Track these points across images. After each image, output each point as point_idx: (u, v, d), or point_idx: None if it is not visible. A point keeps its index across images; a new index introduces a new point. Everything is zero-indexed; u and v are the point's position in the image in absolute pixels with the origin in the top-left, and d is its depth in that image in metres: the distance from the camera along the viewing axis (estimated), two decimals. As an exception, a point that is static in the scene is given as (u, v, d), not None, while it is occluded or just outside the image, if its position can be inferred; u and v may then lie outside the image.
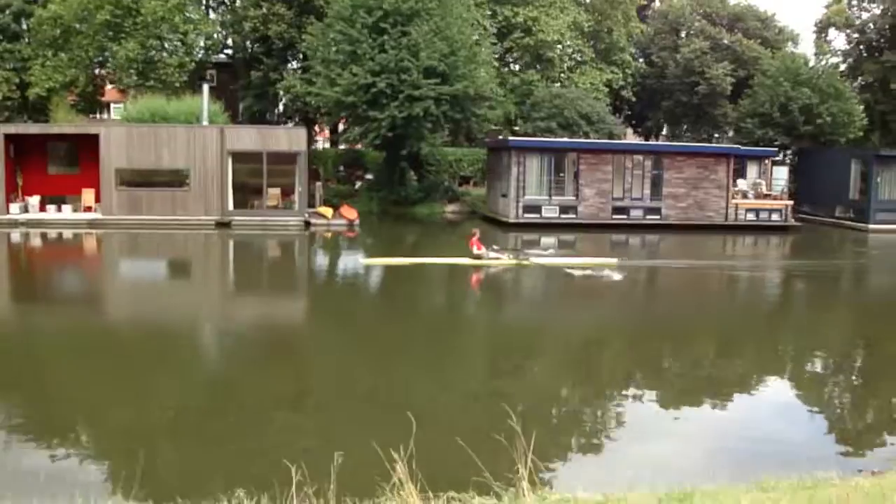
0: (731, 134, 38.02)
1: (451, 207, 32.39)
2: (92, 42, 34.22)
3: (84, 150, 28.00)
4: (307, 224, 27.18)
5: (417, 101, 27.68)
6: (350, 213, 27.84)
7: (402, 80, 27.60)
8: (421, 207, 31.72)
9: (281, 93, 33.83)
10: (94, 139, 27.11)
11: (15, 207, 27.02)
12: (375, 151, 32.94)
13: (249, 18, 33.95)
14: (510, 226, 28.07)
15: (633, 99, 38.25)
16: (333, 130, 37.59)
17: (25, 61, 37.50)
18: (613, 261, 20.21)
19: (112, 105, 49.11)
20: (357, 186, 33.28)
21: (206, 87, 28.50)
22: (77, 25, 36.50)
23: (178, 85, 34.36)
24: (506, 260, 19.35)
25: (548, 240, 26.86)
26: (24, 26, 38.91)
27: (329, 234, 27.16)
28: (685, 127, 41.26)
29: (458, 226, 31.21)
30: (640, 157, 29.29)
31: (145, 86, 33.99)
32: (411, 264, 19.50)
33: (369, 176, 33.06)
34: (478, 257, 19.08)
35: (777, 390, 10.60)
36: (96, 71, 37.30)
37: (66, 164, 28.36)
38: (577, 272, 19.17)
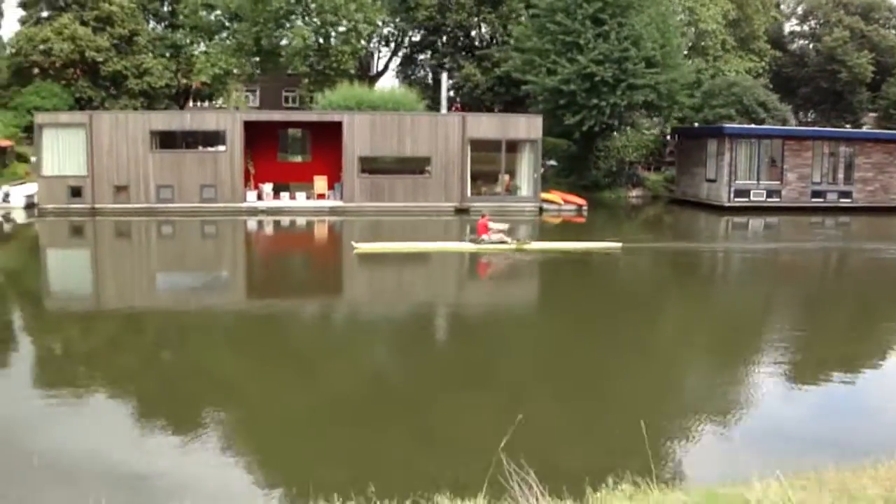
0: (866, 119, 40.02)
1: (634, 192, 33.45)
2: (262, 29, 34.08)
3: (316, 137, 28.26)
4: (541, 209, 27.94)
5: (638, 90, 28.63)
6: (578, 198, 28.69)
7: (624, 69, 28.48)
8: (608, 192, 32.70)
9: (445, 79, 33.88)
10: (326, 127, 27.42)
11: (251, 195, 27.20)
12: (554, 138, 33.65)
13: (424, 6, 34.23)
14: (724, 209, 29.30)
15: (770, 86, 39.77)
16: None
17: (178, 48, 37.13)
18: (617, 245, 19.29)
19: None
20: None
21: (444, 76, 28.90)
22: (222, 15, 36.40)
23: (352, 72, 34.60)
24: (507, 244, 18.42)
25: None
26: (169, 11, 38.47)
27: (560, 219, 27.93)
28: (817, 114, 43.06)
29: (643, 210, 32.38)
30: (836, 143, 30.78)
31: (321, 73, 34.19)
32: (408, 250, 19.09)
33: (552, 162, 33.77)
34: (479, 242, 18.41)
35: None
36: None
37: (296, 151, 28.51)
38: None
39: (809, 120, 43.55)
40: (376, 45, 37.81)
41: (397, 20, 36.57)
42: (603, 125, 29.35)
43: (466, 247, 18.76)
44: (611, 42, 28.40)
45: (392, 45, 40.99)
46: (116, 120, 26.64)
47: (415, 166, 27.45)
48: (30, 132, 34.36)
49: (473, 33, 35.51)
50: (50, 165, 26.54)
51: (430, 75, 36.43)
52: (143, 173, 26.38)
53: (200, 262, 19.95)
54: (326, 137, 27.56)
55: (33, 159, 33.54)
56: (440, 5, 33.99)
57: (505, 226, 18.93)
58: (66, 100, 34.54)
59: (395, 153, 27.01)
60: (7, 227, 26.05)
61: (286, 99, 45.47)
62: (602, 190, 32.59)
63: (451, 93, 37.91)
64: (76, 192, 26.45)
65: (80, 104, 34.99)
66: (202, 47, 37.40)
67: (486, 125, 27.54)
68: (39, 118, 26.84)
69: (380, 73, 43.43)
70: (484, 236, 18.60)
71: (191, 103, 40.94)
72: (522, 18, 33.46)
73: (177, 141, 26.96)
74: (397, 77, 38.80)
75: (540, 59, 29.56)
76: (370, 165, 27.10)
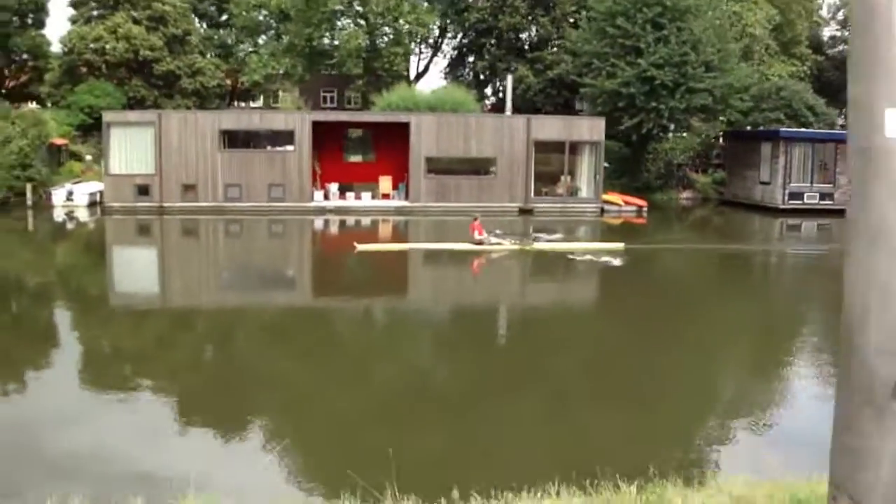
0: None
1: (685, 194, 33.79)
2: (315, 29, 34.34)
3: (380, 138, 28.54)
4: (602, 211, 28.26)
5: (696, 93, 28.99)
6: (639, 200, 29.04)
7: (683, 72, 28.82)
8: (660, 194, 33.01)
9: (510, 81, 33.96)
10: (390, 127, 27.71)
11: (319, 195, 27.49)
12: (606, 140, 33.93)
13: (477, 9, 34.53)
14: (778, 211, 29.66)
15: (812, 90, 40.11)
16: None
17: (227, 48, 37.40)
18: (620, 245, 19.58)
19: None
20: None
21: (510, 78, 29.21)
22: (271, 16, 36.61)
23: (404, 73, 34.90)
24: (507, 245, 18.78)
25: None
26: (216, 10, 38.76)
27: (620, 221, 28.23)
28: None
29: (696, 211, 32.70)
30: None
31: (373, 74, 34.50)
32: (409, 250, 19.69)
33: (604, 164, 34.07)
34: (479, 243, 18.59)
35: None
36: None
37: (361, 151, 28.81)
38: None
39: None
40: (417, 46, 37.97)
41: (447, 22, 36.85)
42: (660, 128, 29.69)
43: (468, 247, 18.71)
44: (671, 46, 28.72)
45: (434, 46, 41.34)
46: (185, 119, 26.91)
47: (480, 167, 27.74)
48: (83, 130, 34.67)
49: (524, 35, 35.73)
50: (117, 164, 26.79)
51: (479, 77, 36.66)
52: (211, 172, 26.64)
53: (266, 260, 20.07)
54: (391, 138, 27.88)
55: (88, 158, 33.82)
56: (492, 8, 34.27)
57: (485, 236, 18.84)
58: (119, 99, 34.70)
59: (462, 154, 27.31)
60: (71, 225, 26.33)
61: (324, 98, 45.73)
62: (653, 192, 32.85)
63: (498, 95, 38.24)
64: (143, 191, 26.70)
65: (133, 103, 35.24)
66: (249, 47, 37.75)
67: (551, 127, 27.87)
68: (108, 116, 27.08)
69: (420, 75, 43.78)
70: (483, 237, 18.65)
71: (237, 103, 41.29)
72: (576, 21, 33.79)
73: (245, 140, 27.19)
74: (445, 78, 39.10)
75: (598, 62, 29.86)
76: (436, 166, 27.37)
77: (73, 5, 36.85)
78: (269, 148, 27.20)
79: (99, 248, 22.72)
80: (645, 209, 28.70)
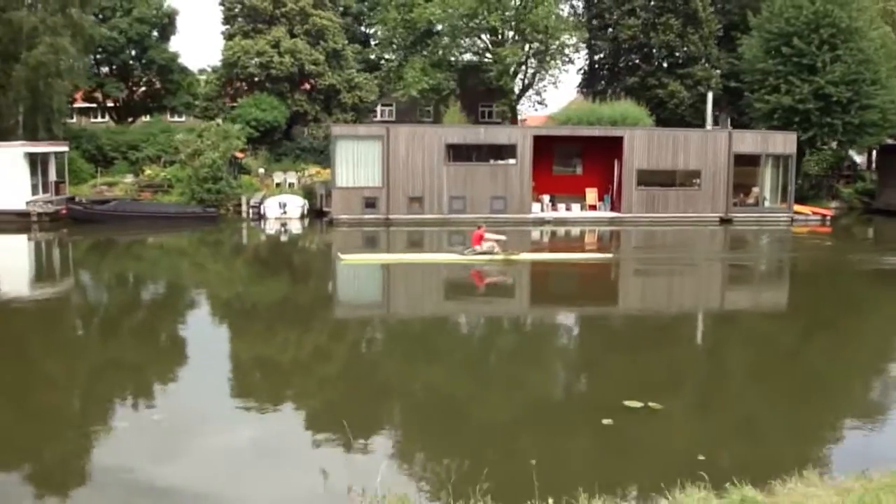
0: None
1: (833, 203, 35.72)
2: (471, 45, 35.53)
3: (586, 151, 29.85)
4: (792, 220, 30.01)
5: (869, 109, 31.01)
6: (824, 209, 30.86)
7: (857, 90, 30.81)
8: (811, 203, 34.84)
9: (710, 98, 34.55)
10: (596, 141, 29.07)
11: (536, 206, 28.67)
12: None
13: (628, 27, 36.07)
14: (940, 220, 31.83)
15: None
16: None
17: (372, 63, 38.24)
18: (608, 256, 20.41)
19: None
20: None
21: (710, 95, 30.72)
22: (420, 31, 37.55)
23: (556, 88, 36.24)
24: (494, 255, 18.58)
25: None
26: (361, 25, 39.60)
27: (807, 229, 29.94)
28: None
29: (846, 219, 34.50)
30: None
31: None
32: (396, 261, 20.03)
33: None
34: (466, 253, 18.70)
35: None
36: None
37: (569, 164, 30.06)
38: None
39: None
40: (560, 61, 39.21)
41: (596, 38, 38.29)
42: (836, 142, 31.61)
43: (454, 258, 19.00)
44: (846, 64, 30.65)
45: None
46: (413, 133, 27.87)
47: (684, 179, 29.21)
48: (251, 143, 35.05)
49: (673, 52, 37.29)
50: (344, 177, 27.57)
51: (626, 92, 38.13)
52: (437, 185, 27.63)
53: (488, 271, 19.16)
54: (596, 151, 29.25)
55: (261, 171, 34.34)
56: (644, 26, 35.85)
57: (502, 237, 19.26)
58: (283, 112, 35.31)
59: (670, 167, 28.78)
60: (296, 236, 27.04)
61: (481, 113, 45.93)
62: (805, 201, 34.69)
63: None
64: (370, 203, 27.57)
65: (295, 117, 35.86)
66: (395, 63, 38.68)
67: (750, 140, 29.55)
68: (336, 130, 27.95)
69: (525, 87, 45.05)
70: (476, 247, 18.67)
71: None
72: (723, 39, 35.58)
73: (468, 154, 28.19)
74: (581, 92, 40.51)
75: (772, 79, 31.64)
76: (643, 178, 28.76)
77: (227, 20, 37.33)
78: (491, 161, 28.21)
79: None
80: (829, 218, 30.51)
